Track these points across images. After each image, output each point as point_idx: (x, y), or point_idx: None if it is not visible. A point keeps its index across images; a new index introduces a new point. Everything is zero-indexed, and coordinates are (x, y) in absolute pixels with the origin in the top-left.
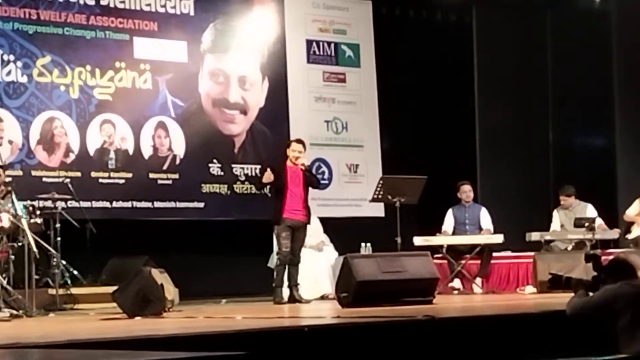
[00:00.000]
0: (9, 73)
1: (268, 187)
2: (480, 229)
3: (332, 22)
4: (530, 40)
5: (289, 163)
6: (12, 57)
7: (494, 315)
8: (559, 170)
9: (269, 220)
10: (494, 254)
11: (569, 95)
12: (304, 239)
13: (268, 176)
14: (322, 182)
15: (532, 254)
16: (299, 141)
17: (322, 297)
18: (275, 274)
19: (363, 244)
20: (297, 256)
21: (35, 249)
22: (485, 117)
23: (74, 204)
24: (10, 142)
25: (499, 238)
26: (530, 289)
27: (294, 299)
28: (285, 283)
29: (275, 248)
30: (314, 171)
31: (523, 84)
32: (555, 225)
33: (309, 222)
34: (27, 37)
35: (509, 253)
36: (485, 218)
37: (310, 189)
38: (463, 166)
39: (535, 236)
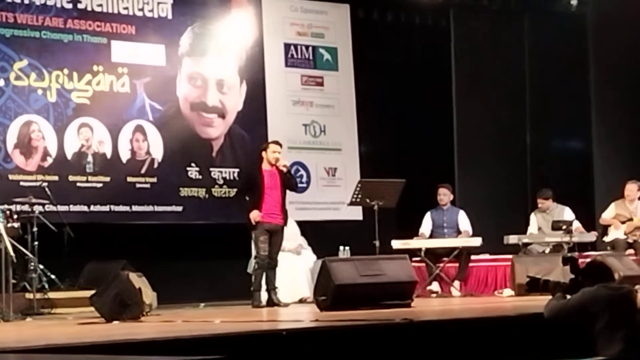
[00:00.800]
0: None
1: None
2: (459, 232)
3: (310, 25)
4: (508, 43)
5: (264, 166)
6: None
7: (472, 318)
8: (536, 174)
9: (247, 224)
10: (472, 257)
11: (547, 98)
12: (282, 243)
13: (255, 217)
14: (300, 185)
15: (510, 257)
16: (277, 142)
17: (301, 301)
18: (253, 278)
19: (341, 248)
20: (274, 260)
21: (12, 253)
22: (463, 121)
23: (52, 207)
24: None
25: (477, 241)
26: (508, 291)
27: (272, 303)
28: (264, 287)
29: (254, 252)
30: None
31: (501, 88)
32: (532, 228)
33: (286, 225)
34: (4, 40)
35: (487, 256)
36: (463, 221)
37: (287, 191)
38: (441, 169)
39: (513, 239)
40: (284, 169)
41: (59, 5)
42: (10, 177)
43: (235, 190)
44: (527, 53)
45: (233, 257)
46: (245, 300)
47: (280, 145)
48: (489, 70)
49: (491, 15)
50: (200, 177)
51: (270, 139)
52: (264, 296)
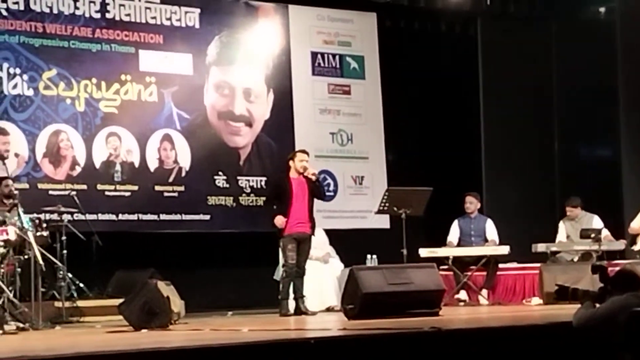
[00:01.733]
0: (15, 86)
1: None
2: (486, 240)
3: (336, 34)
4: (535, 51)
5: (292, 174)
6: (18, 71)
7: (500, 327)
8: (564, 182)
9: (274, 233)
10: (500, 266)
11: (574, 106)
12: (309, 251)
13: (279, 222)
14: (327, 194)
15: (538, 265)
16: (304, 151)
17: (328, 309)
18: (281, 286)
19: (369, 256)
20: (302, 268)
21: (41, 262)
22: (490, 128)
23: (80, 216)
24: (17, 155)
25: (504, 249)
26: (536, 300)
27: (300, 311)
28: (291, 295)
29: (281, 260)
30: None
31: (528, 96)
32: (561, 236)
33: (313, 234)
34: (33, 50)
35: (515, 264)
36: (490, 229)
37: (315, 200)
38: (469, 177)
39: (541, 247)
40: (313, 177)
41: (87, 15)
42: (40, 186)
43: (263, 198)
44: (554, 60)
45: (260, 265)
46: (272, 309)
47: (308, 154)
48: (516, 78)
49: (518, 23)
50: (228, 185)
51: (297, 148)
52: (291, 304)
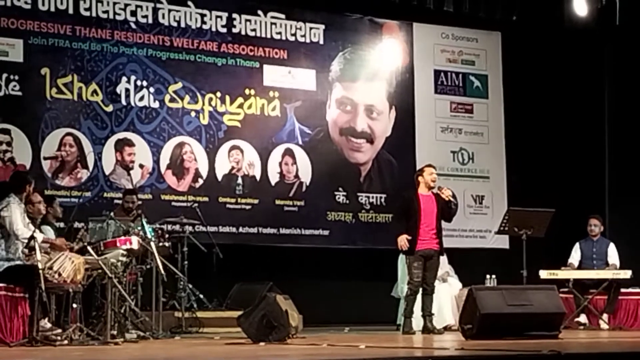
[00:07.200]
0: (141, 98)
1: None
2: (607, 263)
3: (460, 52)
4: None
5: (421, 190)
6: (145, 83)
7: (621, 352)
8: None
9: (394, 250)
10: (622, 290)
11: None
12: (438, 268)
13: (403, 243)
14: None
15: None
16: (432, 165)
17: (445, 328)
18: (405, 304)
19: (488, 276)
20: (430, 285)
21: (163, 272)
22: (615, 150)
23: (202, 228)
24: (141, 166)
25: (627, 273)
26: None
27: (427, 329)
28: (415, 313)
29: (399, 277)
30: None
31: None
32: None
33: (442, 253)
34: (160, 63)
35: (637, 289)
36: (612, 253)
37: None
38: (591, 199)
39: None
40: (453, 200)
41: (213, 29)
42: (163, 197)
43: (382, 215)
44: None
45: (378, 282)
46: (389, 325)
47: (435, 168)
48: None
49: None
50: (348, 201)
51: (418, 166)
52: (415, 323)
